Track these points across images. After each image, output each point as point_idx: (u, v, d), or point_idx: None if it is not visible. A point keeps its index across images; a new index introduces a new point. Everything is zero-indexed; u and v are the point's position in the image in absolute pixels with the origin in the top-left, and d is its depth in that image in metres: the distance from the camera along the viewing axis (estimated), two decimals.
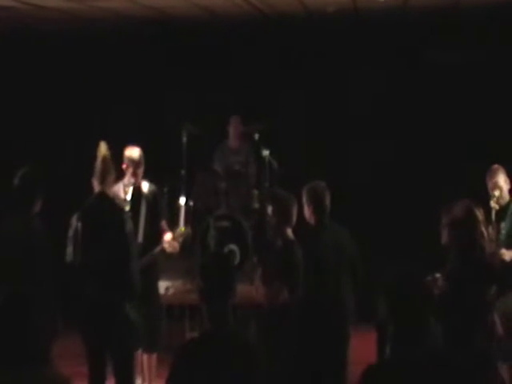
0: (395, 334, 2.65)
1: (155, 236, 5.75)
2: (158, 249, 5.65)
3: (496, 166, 5.97)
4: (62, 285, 4.94)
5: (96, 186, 5.13)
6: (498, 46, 8.23)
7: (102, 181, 5.05)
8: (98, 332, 4.83)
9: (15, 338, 2.73)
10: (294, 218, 5.02)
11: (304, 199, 5.22)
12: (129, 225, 5.04)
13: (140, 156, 5.88)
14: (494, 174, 5.87)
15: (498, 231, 5.65)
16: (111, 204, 5.09)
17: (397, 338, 2.66)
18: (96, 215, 5.00)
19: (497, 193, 5.78)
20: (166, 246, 5.67)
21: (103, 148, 5.18)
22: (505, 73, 8.23)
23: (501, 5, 7.26)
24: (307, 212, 5.21)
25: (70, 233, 5.17)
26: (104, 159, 5.07)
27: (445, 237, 4.86)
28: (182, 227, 5.96)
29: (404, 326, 2.65)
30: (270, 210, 5.14)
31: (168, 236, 5.73)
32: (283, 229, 4.99)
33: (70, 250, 5.10)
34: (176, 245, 5.72)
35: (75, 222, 5.11)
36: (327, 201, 5.18)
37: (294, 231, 5.05)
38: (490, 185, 5.88)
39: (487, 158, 6.40)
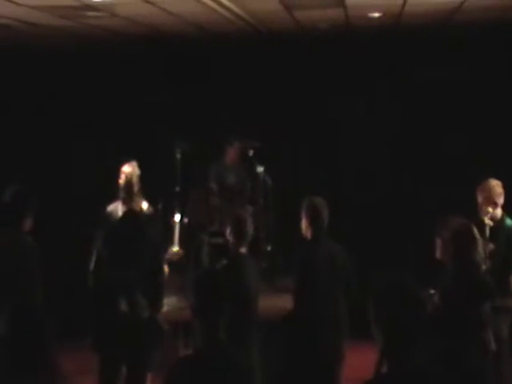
0: (385, 347, 2.59)
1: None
2: None
3: (490, 180, 5.92)
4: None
5: (126, 204, 5.20)
6: (484, 62, 8.28)
7: (129, 198, 5.14)
8: (122, 347, 4.83)
9: (26, 350, 2.72)
10: (248, 237, 5.12)
11: (302, 213, 5.25)
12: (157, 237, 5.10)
13: (133, 172, 5.87)
14: (486, 188, 5.81)
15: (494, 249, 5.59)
16: (137, 220, 5.14)
17: (386, 352, 2.60)
18: (123, 233, 5.05)
19: (490, 209, 5.72)
20: None
21: (128, 167, 5.29)
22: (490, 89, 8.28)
23: (491, 22, 7.32)
24: (304, 225, 5.24)
25: (95, 252, 5.17)
26: (129, 178, 5.20)
27: (440, 252, 4.85)
28: (175, 247, 5.94)
29: (394, 337, 2.56)
30: (228, 230, 5.15)
31: None
32: (237, 248, 5.06)
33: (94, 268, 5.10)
34: (165, 271, 5.70)
35: (100, 242, 5.13)
36: (324, 215, 5.20)
37: (288, 245, 5.11)
38: (481, 199, 5.80)
39: (478, 172, 6.35)
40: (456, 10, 6.72)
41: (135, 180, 5.88)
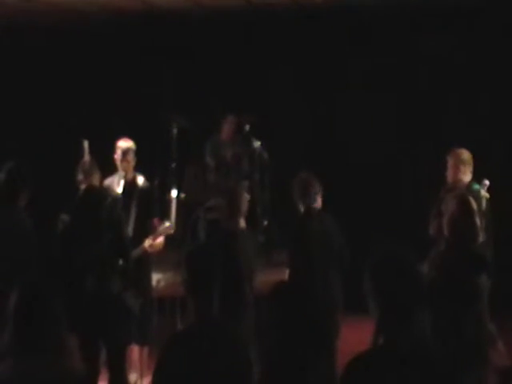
0: (381, 320, 2.59)
1: (145, 231, 5.74)
2: (138, 250, 5.56)
3: (461, 149, 5.91)
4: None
5: (82, 182, 5.19)
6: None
7: (89, 176, 5.13)
8: (95, 324, 4.83)
9: (34, 328, 2.73)
10: (244, 208, 5.21)
11: (293, 189, 5.41)
12: (121, 213, 5.08)
13: (128, 147, 5.89)
14: (465, 158, 5.83)
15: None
16: (100, 195, 5.10)
17: (383, 325, 2.60)
18: (87, 208, 5.01)
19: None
20: (146, 246, 5.64)
21: (86, 146, 5.29)
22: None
23: None
24: (295, 201, 5.39)
25: (61, 230, 5.19)
26: (89, 156, 5.20)
27: (436, 226, 4.87)
28: (169, 222, 5.95)
29: (391, 310, 2.56)
30: (222, 205, 5.20)
31: (148, 241, 5.67)
32: (235, 219, 5.10)
33: (60, 245, 5.11)
34: (157, 243, 5.71)
35: (66, 218, 5.14)
36: (314, 190, 5.32)
37: (285, 220, 5.22)
38: (451, 170, 5.81)
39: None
40: None
41: (131, 155, 5.91)
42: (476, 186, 5.75)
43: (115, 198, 5.49)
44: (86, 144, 5.60)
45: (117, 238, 4.91)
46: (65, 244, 4.98)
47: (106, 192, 5.36)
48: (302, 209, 5.39)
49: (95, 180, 5.48)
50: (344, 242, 5.39)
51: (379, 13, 8.04)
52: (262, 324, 2.76)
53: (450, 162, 5.90)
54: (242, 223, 5.17)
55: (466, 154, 5.87)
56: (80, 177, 5.48)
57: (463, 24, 8.07)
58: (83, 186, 5.39)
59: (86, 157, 5.49)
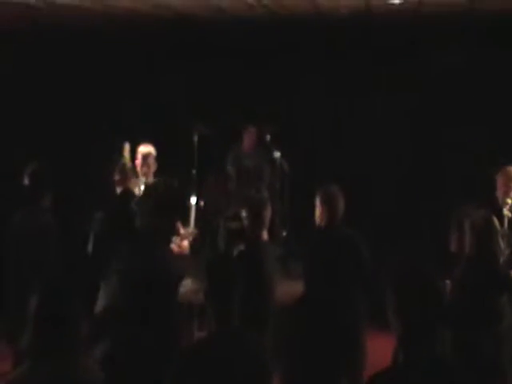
0: (402, 336, 2.58)
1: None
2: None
3: (509, 166, 5.80)
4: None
5: (119, 183, 5.24)
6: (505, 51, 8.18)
7: (126, 179, 5.18)
8: None
9: (54, 330, 2.74)
10: (267, 221, 5.05)
11: (316, 201, 5.24)
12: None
13: (149, 152, 5.92)
14: (505, 174, 5.73)
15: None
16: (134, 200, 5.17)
17: (404, 342, 2.59)
18: (121, 212, 5.06)
19: (510, 200, 5.67)
20: (174, 247, 5.66)
21: (127, 149, 5.34)
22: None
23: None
24: (318, 214, 5.23)
25: (94, 229, 5.22)
26: (128, 159, 5.26)
27: (457, 243, 4.82)
28: (191, 227, 5.97)
29: (412, 327, 2.56)
30: (243, 214, 5.09)
31: (176, 238, 5.71)
32: (259, 231, 4.98)
33: (94, 245, 5.15)
34: (185, 245, 5.73)
35: (100, 218, 5.17)
36: (339, 204, 5.16)
37: (306, 230, 5.10)
38: (502, 188, 5.74)
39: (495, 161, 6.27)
40: None
41: (151, 161, 5.94)
42: (506, 205, 5.64)
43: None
44: (126, 146, 5.64)
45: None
46: (99, 243, 5.01)
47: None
48: (324, 221, 5.23)
49: (133, 183, 5.51)
50: (367, 257, 5.28)
51: (398, 24, 8.05)
52: (283, 335, 2.74)
53: (500, 180, 5.74)
54: (265, 235, 5.12)
55: None
56: (117, 178, 5.51)
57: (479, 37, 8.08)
58: (120, 188, 5.43)
59: (125, 159, 5.53)
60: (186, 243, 5.74)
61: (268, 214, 5.09)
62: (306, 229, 7.54)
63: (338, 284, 4.99)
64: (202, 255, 7.05)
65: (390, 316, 2.61)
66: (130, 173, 5.56)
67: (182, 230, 5.78)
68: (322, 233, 5.24)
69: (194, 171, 7.79)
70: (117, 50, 8.83)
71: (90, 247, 5.21)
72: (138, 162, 5.97)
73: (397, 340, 2.63)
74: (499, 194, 5.73)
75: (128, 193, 5.30)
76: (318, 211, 5.23)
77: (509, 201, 5.63)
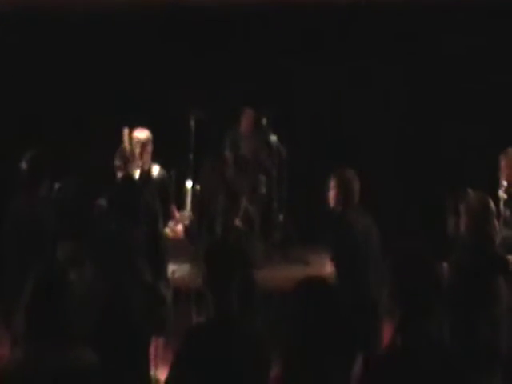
0: (400, 319, 2.59)
1: (165, 217, 5.74)
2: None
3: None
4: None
5: (120, 168, 5.23)
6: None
7: (126, 164, 5.17)
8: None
9: (48, 316, 2.74)
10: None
11: (331, 185, 5.06)
12: (156, 204, 5.13)
13: (147, 138, 5.91)
14: (509, 155, 5.69)
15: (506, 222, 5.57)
16: (137, 187, 5.17)
17: (402, 324, 2.60)
18: (124, 197, 5.05)
19: (505, 182, 5.65)
20: (168, 231, 5.67)
21: (126, 134, 5.32)
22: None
23: None
24: (334, 198, 5.04)
25: (97, 215, 5.23)
26: (128, 144, 5.24)
27: (454, 226, 4.83)
28: (187, 211, 5.98)
29: (411, 309, 2.57)
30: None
31: (170, 226, 5.71)
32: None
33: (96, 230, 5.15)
34: (179, 229, 5.74)
35: (104, 204, 5.17)
36: (356, 187, 5.01)
37: (304, 214, 5.04)
38: (505, 171, 5.69)
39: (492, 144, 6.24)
40: None
41: (148, 145, 5.92)
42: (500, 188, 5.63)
43: (152, 188, 5.52)
44: (125, 131, 5.62)
45: (151, 229, 4.95)
46: (100, 230, 5.02)
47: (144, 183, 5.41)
48: (341, 206, 5.02)
49: (133, 168, 5.50)
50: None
51: (399, 12, 8.01)
52: (282, 320, 2.74)
53: (504, 162, 5.68)
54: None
55: None
56: (118, 163, 5.50)
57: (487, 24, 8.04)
58: (120, 174, 5.43)
59: (125, 144, 5.51)
60: (180, 227, 5.76)
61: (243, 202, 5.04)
62: (304, 213, 7.56)
63: (363, 272, 4.88)
64: (200, 240, 7.07)
65: (389, 300, 2.62)
66: (131, 158, 5.55)
67: (176, 214, 5.79)
68: (343, 218, 5.03)
69: (190, 155, 7.78)
70: (111, 35, 8.77)
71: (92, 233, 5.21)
72: (134, 146, 5.94)
73: (395, 324, 2.64)
74: (502, 175, 5.70)
75: (129, 178, 5.29)
76: (332, 193, 5.04)
77: (504, 183, 5.63)
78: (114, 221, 4.83)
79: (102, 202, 5.25)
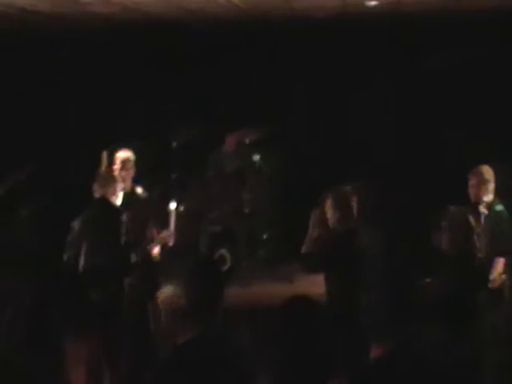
0: (378, 333, 2.60)
1: (144, 240, 5.73)
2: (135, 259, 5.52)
3: (484, 166, 5.71)
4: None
5: (98, 192, 5.23)
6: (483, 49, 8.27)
7: (105, 187, 5.17)
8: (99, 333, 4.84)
9: (34, 334, 2.72)
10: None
11: (329, 205, 4.94)
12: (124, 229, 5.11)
13: (127, 158, 5.90)
14: (482, 175, 5.73)
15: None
16: (112, 210, 5.16)
17: (380, 338, 2.60)
18: (98, 221, 5.06)
19: (487, 198, 5.63)
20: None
21: (105, 157, 5.31)
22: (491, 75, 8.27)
23: (490, 9, 7.31)
24: (333, 218, 4.93)
25: (70, 238, 5.21)
26: (107, 167, 5.23)
27: (438, 240, 4.87)
28: (167, 230, 5.92)
29: (387, 324, 2.58)
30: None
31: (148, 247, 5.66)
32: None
33: (69, 254, 5.14)
34: (156, 255, 5.69)
35: (76, 227, 5.16)
36: (354, 207, 4.94)
37: (318, 238, 4.93)
38: (473, 189, 5.64)
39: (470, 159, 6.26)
40: None
41: (130, 166, 5.92)
42: (498, 206, 5.62)
43: (122, 211, 5.50)
44: (104, 155, 5.62)
45: (120, 250, 4.93)
46: (70, 252, 5.00)
47: (116, 205, 5.39)
48: (341, 226, 4.92)
49: (111, 191, 5.48)
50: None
51: (386, 26, 8.11)
52: (268, 338, 2.75)
53: (473, 180, 5.63)
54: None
55: (489, 173, 5.63)
56: (95, 187, 5.49)
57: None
58: (97, 196, 5.42)
59: (104, 167, 5.50)
60: (156, 251, 5.70)
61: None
62: (289, 230, 7.54)
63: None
64: (184, 259, 7.04)
65: (365, 315, 2.63)
66: (108, 180, 5.53)
67: (155, 236, 5.74)
68: (341, 238, 4.93)
69: (174, 175, 7.78)
70: (93, 55, 8.79)
71: (65, 256, 5.19)
72: (116, 167, 5.93)
73: (372, 337, 2.65)
74: (471, 193, 5.68)
75: (104, 200, 5.27)
76: (332, 215, 4.92)
77: (485, 198, 5.63)
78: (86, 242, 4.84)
79: (76, 224, 5.24)
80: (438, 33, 8.18)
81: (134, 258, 5.38)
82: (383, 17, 7.68)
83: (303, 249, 4.96)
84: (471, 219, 4.66)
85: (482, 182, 5.60)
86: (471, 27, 8.03)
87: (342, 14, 7.47)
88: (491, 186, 5.62)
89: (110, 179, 5.41)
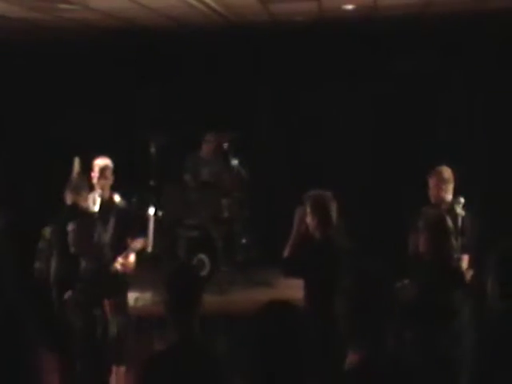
0: (355, 337, 2.59)
1: (122, 250, 5.69)
2: (111, 269, 5.47)
3: (443, 167, 5.79)
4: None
5: (69, 199, 5.17)
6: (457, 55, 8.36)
7: (76, 194, 5.12)
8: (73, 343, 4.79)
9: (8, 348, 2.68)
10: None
11: (308, 210, 4.86)
12: (98, 234, 5.06)
13: (106, 165, 5.86)
14: (441, 175, 5.75)
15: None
16: (84, 215, 5.12)
17: (356, 343, 2.59)
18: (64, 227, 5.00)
19: (447, 198, 5.71)
20: (117, 265, 5.58)
21: (77, 163, 5.26)
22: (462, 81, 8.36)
23: (464, 15, 7.38)
24: (311, 224, 4.85)
25: (41, 245, 5.16)
26: (79, 174, 5.18)
27: (414, 243, 4.89)
28: (138, 239, 5.86)
29: (363, 328, 2.58)
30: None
31: (120, 260, 5.60)
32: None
33: (40, 262, 5.09)
34: (129, 262, 5.64)
35: (48, 235, 5.12)
36: (333, 212, 4.85)
37: (266, 237, 4.95)
38: (433, 190, 5.73)
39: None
40: (430, 2, 6.75)
41: (108, 173, 5.89)
42: (459, 205, 5.71)
43: (95, 217, 5.45)
44: (76, 161, 5.58)
45: (93, 258, 4.89)
46: (41, 260, 4.95)
47: (89, 211, 5.35)
48: (318, 232, 4.84)
49: (83, 198, 5.43)
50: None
51: (357, 32, 8.15)
52: (245, 343, 2.73)
53: (432, 181, 5.77)
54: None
55: (447, 173, 5.77)
56: (68, 193, 5.44)
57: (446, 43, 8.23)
58: (69, 203, 5.37)
59: (76, 174, 5.46)
60: (131, 258, 5.65)
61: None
62: (267, 236, 7.54)
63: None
64: (161, 266, 7.02)
65: (341, 319, 2.63)
66: (80, 187, 5.48)
67: (130, 243, 5.69)
68: (318, 246, 4.84)
69: (152, 181, 7.75)
70: (71, 62, 8.74)
71: (36, 264, 5.15)
72: (95, 174, 5.89)
73: (349, 342, 2.64)
74: (431, 194, 5.77)
75: (75, 207, 5.23)
76: (311, 221, 4.85)
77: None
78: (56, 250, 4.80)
79: (47, 231, 5.21)
80: (413, 36, 8.25)
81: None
82: (360, 20, 7.71)
83: (284, 253, 4.95)
84: (448, 220, 4.68)
85: (442, 181, 5.71)
86: (446, 32, 8.11)
87: (318, 18, 7.49)
88: (451, 186, 5.74)
89: (82, 185, 5.37)
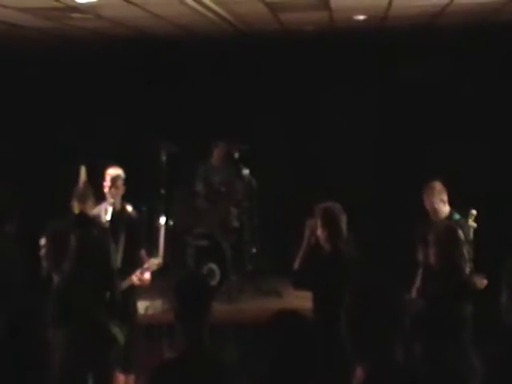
0: (360, 349, 2.58)
1: (133, 261, 5.68)
2: (125, 283, 5.49)
3: (435, 181, 5.80)
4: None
5: (76, 208, 5.18)
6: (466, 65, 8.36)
7: (82, 203, 5.13)
8: (82, 353, 4.78)
9: (21, 353, 2.70)
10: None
11: (318, 222, 4.85)
12: (109, 244, 5.07)
13: (118, 175, 5.87)
14: (435, 189, 5.74)
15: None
16: (89, 224, 5.12)
17: (362, 354, 2.58)
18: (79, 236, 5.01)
19: (444, 210, 5.71)
20: (135, 280, 5.59)
21: (83, 172, 5.27)
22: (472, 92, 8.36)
23: (473, 26, 7.40)
24: (321, 236, 4.85)
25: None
26: (85, 182, 5.17)
27: (423, 254, 4.88)
28: (156, 258, 5.87)
29: (368, 339, 2.54)
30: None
31: (136, 275, 5.61)
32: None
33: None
34: (146, 279, 5.65)
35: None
36: (343, 224, 4.85)
37: (307, 256, 4.88)
38: (427, 204, 5.73)
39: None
40: (440, 13, 6.76)
41: (120, 183, 5.90)
42: (457, 216, 5.70)
43: (104, 227, 5.46)
44: (82, 170, 5.58)
45: (104, 268, 4.88)
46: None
47: (96, 221, 5.35)
48: (328, 245, 4.82)
49: (89, 206, 5.44)
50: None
51: (360, 42, 8.18)
52: (255, 353, 2.73)
53: (425, 197, 5.76)
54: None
55: (438, 187, 5.75)
56: (74, 202, 5.45)
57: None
58: (76, 211, 5.38)
59: (82, 182, 5.46)
60: (147, 276, 5.65)
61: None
62: (277, 245, 7.54)
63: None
64: (171, 275, 7.02)
65: (348, 329, 2.61)
66: (86, 196, 5.48)
67: (146, 263, 5.68)
68: (329, 259, 4.83)
69: (162, 190, 7.77)
70: (82, 71, 8.80)
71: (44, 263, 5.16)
72: (107, 184, 5.90)
73: (354, 353, 2.62)
74: (428, 208, 5.75)
75: (81, 216, 5.23)
76: (321, 234, 4.84)
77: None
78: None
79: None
80: (423, 47, 8.26)
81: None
82: (370, 31, 7.73)
83: (294, 265, 4.94)
84: (460, 232, 4.66)
85: (437, 194, 5.70)
86: (454, 42, 8.13)
87: (329, 28, 7.51)
88: (445, 198, 5.72)
89: (88, 194, 5.37)
